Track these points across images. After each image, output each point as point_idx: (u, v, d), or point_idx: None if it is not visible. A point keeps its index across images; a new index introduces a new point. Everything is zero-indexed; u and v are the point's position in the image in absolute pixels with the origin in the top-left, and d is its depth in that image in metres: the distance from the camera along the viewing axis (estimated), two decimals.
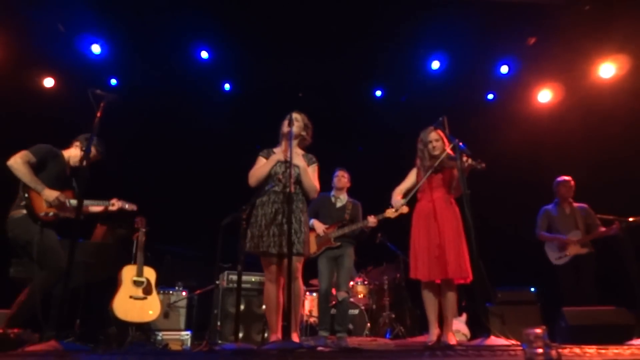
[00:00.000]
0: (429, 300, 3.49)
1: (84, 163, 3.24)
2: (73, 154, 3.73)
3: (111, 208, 3.84)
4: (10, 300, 3.40)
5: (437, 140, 3.59)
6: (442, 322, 3.45)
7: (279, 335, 3.11)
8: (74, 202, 3.56)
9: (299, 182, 3.28)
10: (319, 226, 4.57)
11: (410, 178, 3.74)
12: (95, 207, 3.83)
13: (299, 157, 3.31)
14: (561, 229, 4.84)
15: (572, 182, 4.95)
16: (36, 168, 3.45)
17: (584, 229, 4.75)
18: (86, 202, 3.67)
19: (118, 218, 4.71)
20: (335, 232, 4.54)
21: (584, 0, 5.36)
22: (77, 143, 3.73)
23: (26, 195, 3.36)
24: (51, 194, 3.41)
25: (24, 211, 3.36)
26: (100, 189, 3.76)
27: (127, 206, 3.91)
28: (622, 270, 4.22)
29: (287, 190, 3.03)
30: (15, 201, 3.43)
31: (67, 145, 3.78)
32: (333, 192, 4.81)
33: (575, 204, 4.93)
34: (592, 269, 4.63)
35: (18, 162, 3.35)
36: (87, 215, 3.78)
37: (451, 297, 3.43)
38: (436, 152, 3.58)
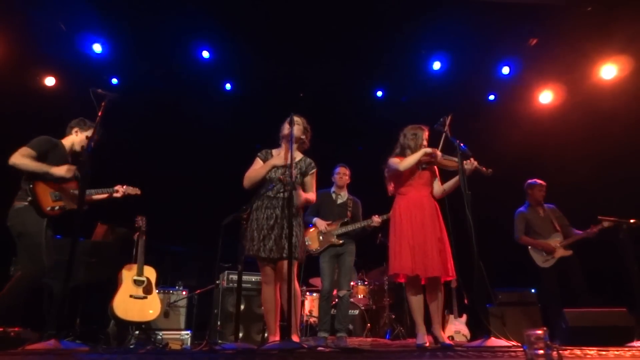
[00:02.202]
0: (418, 301, 3.42)
1: (84, 146, 3.28)
2: (75, 139, 3.69)
3: (115, 195, 3.86)
4: None
5: (426, 140, 3.64)
6: (433, 322, 3.39)
7: (277, 337, 3.11)
8: (76, 192, 3.54)
9: (294, 187, 3.27)
10: (321, 223, 4.57)
11: (397, 161, 3.65)
12: (99, 195, 3.83)
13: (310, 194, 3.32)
14: (540, 232, 4.83)
15: (545, 184, 4.98)
16: (37, 161, 3.42)
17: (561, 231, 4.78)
18: (89, 190, 3.69)
19: (119, 217, 4.72)
20: (338, 230, 4.55)
21: (585, 2, 5.36)
22: (76, 129, 3.70)
23: (31, 186, 3.34)
24: (60, 169, 3.38)
25: (26, 203, 3.34)
26: (102, 186, 3.78)
27: (130, 190, 3.94)
28: (623, 272, 4.22)
29: (283, 194, 3.07)
30: (19, 193, 3.41)
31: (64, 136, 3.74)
32: (333, 189, 4.81)
33: (545, 205, 4.95)
34: (580, 270, 4.61)
35: (19, 158, 3.34)
36: (92, 203, 3.77)
37: (441, 295, 3.44)
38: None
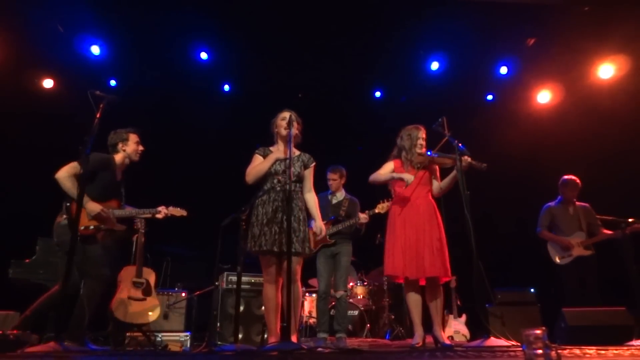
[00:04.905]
0: (415, 302, 3.45)
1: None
2: (128, 152, 3.71)
3: (158, 216, 3.80)
4: (8, 301, 3.39)
5: (424, 139, 3.64)
6: (433, 322, 3.41)
7: (277, 339, 3.11)
8: (118, 212, 3.57)
9: (299, 179, 3.31)
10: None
11: (388, 167, 3.69)
12: (145, 215, 3.82)
13: (310, 195, 3.39)
14: (564, 229, 4.76)
15: (579, 182, 4.82)
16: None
17: (586, 230, 4.72)
18: (133, 210, 3.71)
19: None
20: (329, 229, 4.54)
21: (583, 1, 5.37)
22: (120, 144, 3.70)
23: (68, 204, 3.31)
24: (94, 208, 3.37)
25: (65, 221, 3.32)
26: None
27: (175, 212, 3.87)
28: (622, 270, 4.23)
29: (287, 187, 3.05)
30: (62, 209, 3.39)
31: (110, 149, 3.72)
32: (330, 191, 4.83)
33: (578, 204, 4.86)
34: (596, 271, 4.58)
35: (64, 176, 3.30)
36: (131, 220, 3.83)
37: (441, 296, 3.45)
38: (422, 150, 3.61)
